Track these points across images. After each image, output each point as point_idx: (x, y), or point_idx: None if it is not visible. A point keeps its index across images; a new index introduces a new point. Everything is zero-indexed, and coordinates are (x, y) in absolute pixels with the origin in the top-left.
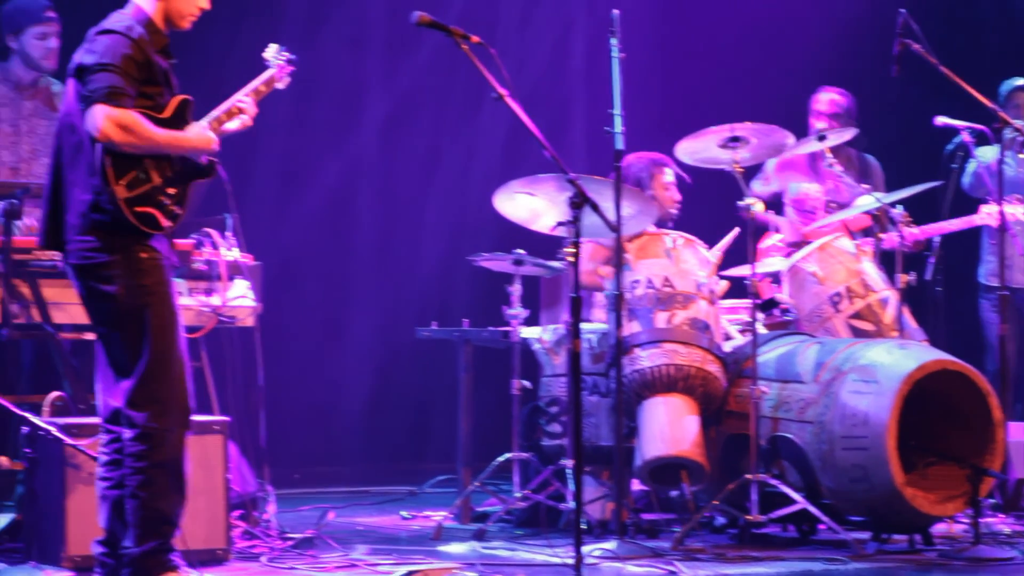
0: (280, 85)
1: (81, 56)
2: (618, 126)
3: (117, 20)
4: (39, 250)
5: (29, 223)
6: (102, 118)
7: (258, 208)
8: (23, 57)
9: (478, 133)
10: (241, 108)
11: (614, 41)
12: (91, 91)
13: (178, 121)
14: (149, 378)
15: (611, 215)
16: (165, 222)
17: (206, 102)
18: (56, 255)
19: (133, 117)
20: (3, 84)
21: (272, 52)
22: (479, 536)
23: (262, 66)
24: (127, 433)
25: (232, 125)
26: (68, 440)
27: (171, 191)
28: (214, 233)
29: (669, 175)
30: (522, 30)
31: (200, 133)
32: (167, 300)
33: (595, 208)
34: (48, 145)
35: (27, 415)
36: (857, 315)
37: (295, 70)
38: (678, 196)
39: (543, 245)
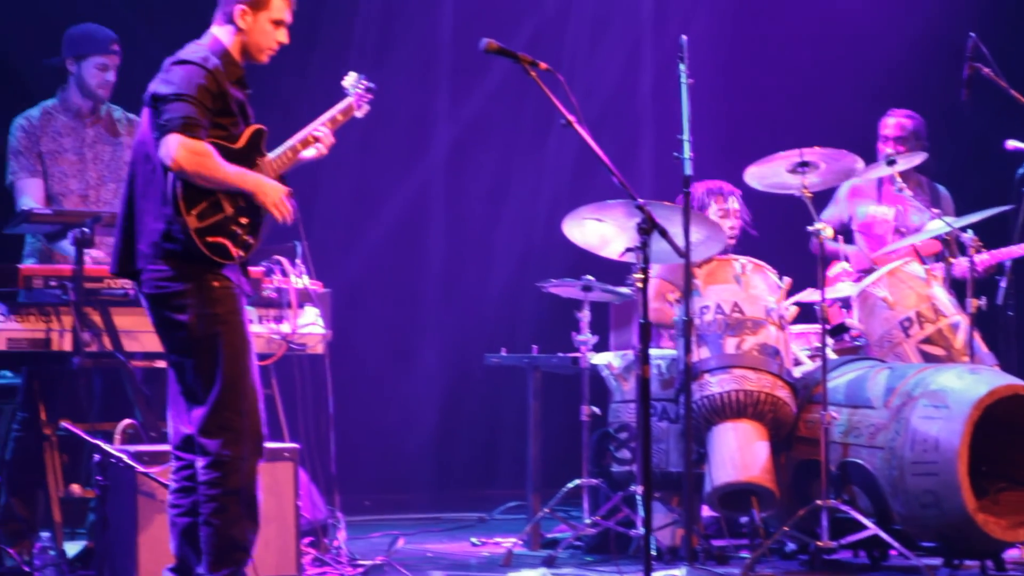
0: (359, 114)
1: (156, 85)
2: (687, 152)
3: (193, 51)
4: (111, 278)
5: (99, 253)
6: (176, 147)
7: (327, 235)
8: (79, 82)
9: (546, 159)
10: (317, 137)
11: (683, 67)
12: (166, 120)
13: (252, 151)
14: (221, 406)
15: (680, 241)
16: (236, 252)
17: (278, 131)
18: (127, 283)
19: (206, 149)
20: (64, 114)
21: (351, 80)
22: (549, 562)
23: (331, 94)
24: (200, 461)
25: (308, 154)
26: (139, 468)
27: (243, 220)
28: (284, 261)
29: (731, 202)
30: (590, 56)
31: (271, 182)
32: (239, 328)
33: (663, 234)
34: (114, 171)
35: (99, 443)
36: (927, 340)
37: (373, 98)
38: (734, 224)
39: (612, 271)
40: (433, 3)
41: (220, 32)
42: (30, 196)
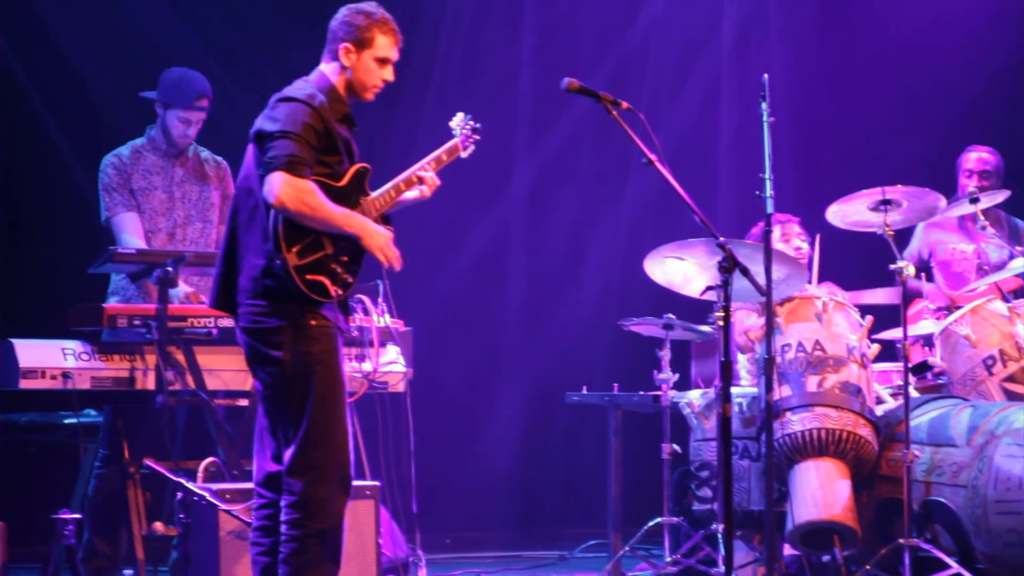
0: (464, 154)
1: (262, 122)
2: (768, 190)
3: (299, 88)
4: (194, 317)
5: (188, 289)
6: (280, 185)
7: (408, 273)
8: (163, 130)
9: (627, 197)
10: (421, 178)
11: (764, 105)
12: (271, 158)
13: (355, 189)
14: (309, 445)
15: (761, 279)
16: (335, 290)
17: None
18: (210, 322)
19: (311, 188)
20: (153, 153)
21: (457, 121)
22: None
23: (414, 133)
24: (284, 500)
25: (411, 195)
26: (222, 506)
27: (344, 259)
28: (366, 299)
29: (791, 227)
30: (670, 94)
31: (377, 227)
32: (334, 368)
33: (745, 272)
34: (200, 211)
35: (182, 481)
36: (1011, 378)
37: (479, 139)
38: (798, 246)
39: (692, 309)
40: (513, 42)
41: (327, 69)
42: (129, 231)
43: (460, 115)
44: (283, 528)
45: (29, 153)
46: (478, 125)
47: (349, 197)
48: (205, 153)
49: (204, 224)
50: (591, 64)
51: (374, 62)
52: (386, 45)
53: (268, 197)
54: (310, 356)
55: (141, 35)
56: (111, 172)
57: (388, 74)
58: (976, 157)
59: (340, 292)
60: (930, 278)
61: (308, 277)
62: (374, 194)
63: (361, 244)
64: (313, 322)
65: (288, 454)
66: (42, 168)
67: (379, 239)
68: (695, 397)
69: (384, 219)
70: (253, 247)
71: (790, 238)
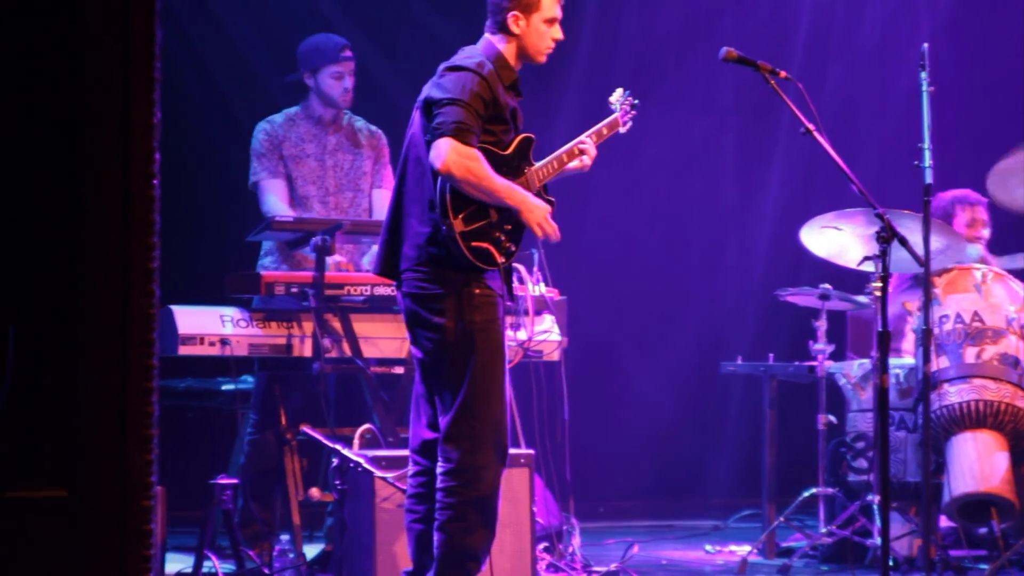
0: (623, 129)
1: (430, 90)
2: (927, 160)
3: (467, 56)
4: (351, 285)
5: (339, 259)
6: (447, 151)
7: (564, 244)
8: (320, 95)
9: (783, 167)
10: (583, 149)
11: (924, 75)
12: (439, 124)
13: (520, 159)
14: (468, 413)
15: (920, 250)
16: (500, 258)
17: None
18: (367, 290)
19: (477, 156)
20: (306, 121)
21: (617, 96)
22: (784, 572)
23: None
24: (441, 467)
25: (573, 165)
26: (378, 472)
27: (507, 227)
28: (521, 268)
29: (979, 211)
30: (844, 66)
31: (536, 201)
32: (495, 337)
33: (904, 243)
34: (352, 179)
35: (338, 447)
36: None
37: (637, 114)
38: (982, 235)
39: (850, 280)
40: (651, 16)
41: (494, 39)
42: (276, 196)
43: (620, 91)
44: (439, 495)
45: (187, 124)
46: (636, 101)
47: (513, 166)
48: (360, 123)
49: (355, 193)
50: (740, 34)
51: (543, 24)
52: (551, 5)
53: (435, 162)
54: (472, 324)
55: (294, 12)
56: (262, 138)
57: (557, 32)
58: None
59: (504, 260)
60: None
61: (473, 244)
62: (538, 164)
63: (520, 217)
64: (477, 291)
65: (445, 421)
66: (199, 138)
67: (538, 213)
68: (852, 368)
69: (544, 189)
70: (418, 215)
71: (975, 224)
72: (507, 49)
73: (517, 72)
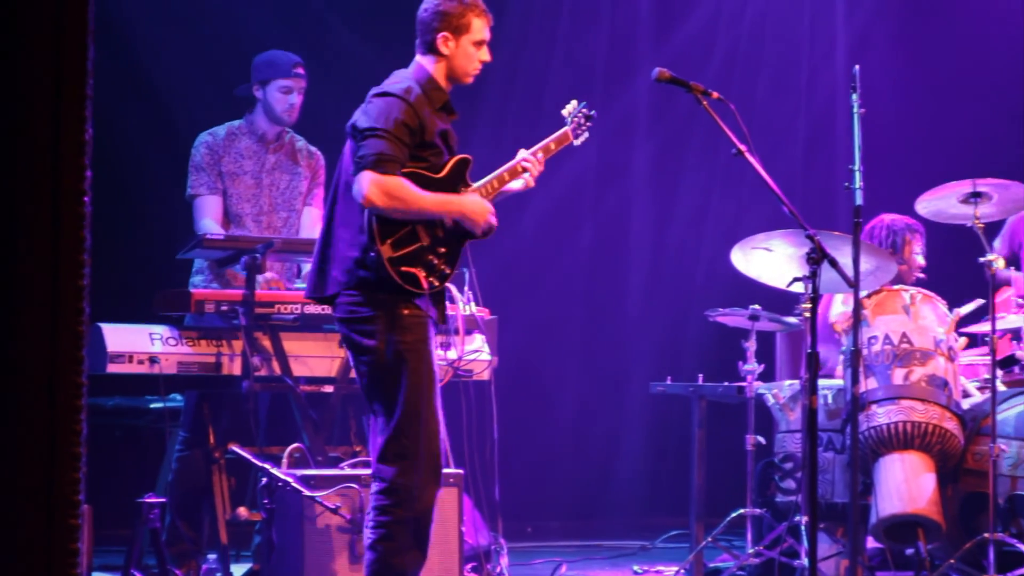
0: (576, 142)
1: (357, 117)
2: (857, 182)
3: (395, 81)
4: (281, 303)
5: (270, 277)
6: (368, 184)
7: (496, 262)
8: (266, 109)
9: (714, 188)
10: (526, 167)
11: (855, 96)
12: (360, 156)
13: (455, 181)
14: (400, 433)
15: (850, 271)
16: (427, 282)
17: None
18: (297, 308)
19: (399, 183)
20: (248, 137)
21: (570, 109)
22: None
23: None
24: (374, 486)
25: (515, 184)
26: (306, 491)
27: (441, 250)
28: (452, 288)
29: (921, 243)
30: (774, 88)
31: (476, 201)
32: (425, 358)
33: (833, 264)
34: (287, 199)
35: (267, 466)
36: None
37: (592, 126)
38: (924, 263)
39: (779, 300)
40: (584, 33)
41: (424, 60)
42: (210, 214)
43: (574, 102)
44: (372, 514)
45: (119, 137)
46: (592, 113)
47: (449, 189)
48: (300, 143)
49: (289, 213)
50: (679, 55)
51: (472, 46)
52: (481, 27)
53: (357, 196)
54: (402, 345)
55: (231, 29)
56: (203, 151)
57: (485, 55)
58: None
59: (435, 284)
60: (1019, 271)
61: (403, 269)
62: (476, 185)
63: (464, 225)
64: (406, 311)
65: (380, 441)
66: (131, 153)
67: (479, 218)
68: (780, 389)
69: None
70: (348, 239)
71: (918, 254)
72: (436, 70)
73: (447, 93)
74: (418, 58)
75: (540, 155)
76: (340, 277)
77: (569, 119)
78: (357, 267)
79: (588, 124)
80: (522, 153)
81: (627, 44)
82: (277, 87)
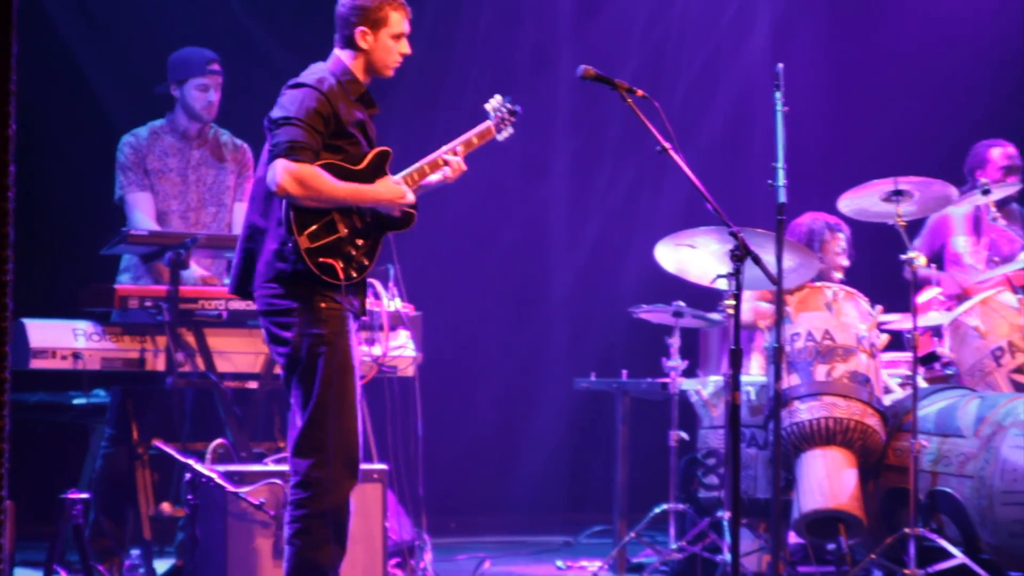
0: (500, 137)
1: (273, 109)
2: (781, 179)
3: (311, 73)
4: (205, 299)
5: (206, 275)
6: (281, 172)
7: (421, 258)
8: (184, 107)
9: (639, 184)
10: (446, 161)
11: (778, 95)
12: (274, 145)
13: (375, 173)
14: (315, 427)
15: (773, 268)
16: (351, 273)
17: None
18: (221, 304)
19: (312, 171)
20: (171, 134)
21: (493, 103)
22: None
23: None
24: (291, 479)
25: (434, 177)
26: (230, 487)
27: (359, 242)
28: (377, 283)
29: (842, 241)
30: (702, 86)
31: (389, 186)
32: (343, 350)
33: (756, 261)
34: (215, 194)
35: (190, 462)
36: (1019, 370)
37: (516, 121)
38: (847, 263)
39: (703, 297)
40: (552, 37)
41: (343, 54)
42: (141, 210)
43: (498, 97)
44: (288, 509)
45: (43, 132)
46: (517, 108)
47: (369, 180)
48: (225, 137)
49: (218, 208)
50: (616, 55)
51: (391, 39)
52: (399, 20)
53: (271, 185)
54: (319, 338)
55: (148, 31)
56: (127, 151)
57: (405, 47)
58: (1001, 152)
59: (353, 275)
60: (941, 270)
61: (320, 260)
62: (395, 177)
63: (381, 211)
64: (323, 304)
65: (295, 434)
66: (57, 148)
67: (393, 197)
68: (703, 385)
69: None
70: (269, 232)
71: (840, 253)
72: (355, 64)
73: (366, 86)
74: (336, 52)
75: (460, 148)
76: (262, 269)
77: (492, 113)
78: (276, 259)
79: (512, 119)
80: (445, 147)
81: (548, 37)
82: (194, 85)
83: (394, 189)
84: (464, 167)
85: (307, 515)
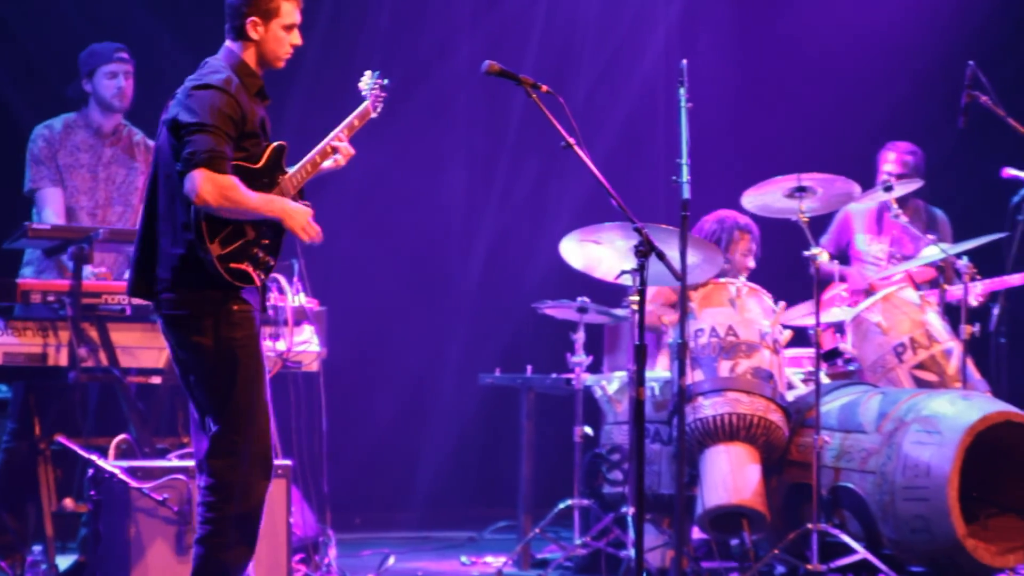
0: (375, 114)
1: (177, 110)
2: (685, 175)
3: (213, 71)
4: (109, 294)
5: (98, 268)
6: (201, 183)
7: (326, 254)
8: (97, 99)
9: (548, 181)
10: (335, 147)
11: (682, 91)
12: (190, 154)
13: (273, 169)
14: (230, 430)
15: (677, 264)
16: (258, 276)
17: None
18: (124, 299)
19: (232, 183)
20: (84, 130)
21: (366, 81)
22: None
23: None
24: (204, 481)
25: (327, 164)
26: (133, 483)
27: (265, 242)
28: (281, 279)
29: (751, 242)
30: (608, 82)
31: (298, 207)
32: (256, 353)
33: (661, 256)
34: (123, 193)
35: (93, 458)
36: (920, 366)
37: (387, 95)
38: (753, 265)
39: (608, 293)
40: (453, 29)
41: (235, 46)
42: (52, 207)
43: (368, 74)
44: (200, 510)
45: None
46: (386, 82)
47: (267, 177)
48: (138, 136)
49: (125, 207)
50: (523, 48)
51: (282, 30)
52: (291, 11)
53: (190, 195)
54: (233, 342)
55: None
56: (41, 144)
57: (296, 38)
58: (896, 157)
59: (263, 276)
60: (846, 266)
61: (232, 266)
62: (291, 171)
63: (284, 226)
64: (235, 307)
65: (209, 437)
66: None
67: (300, 219)
68: (608, 381)
69: (300, 194)
70: (170, 234)
71: (747, 253)
72: (248, 56)
73: (261, 79)
74: (228, 44)
75: (345, 133)
76: (165, 275)
77: (367, 92)
78: (183, 265)
79: (384, 95)
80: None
81: (450, 28)
82: (103, 74)
83: (303, 212)
84: (352, 151)
85: (220, 517)
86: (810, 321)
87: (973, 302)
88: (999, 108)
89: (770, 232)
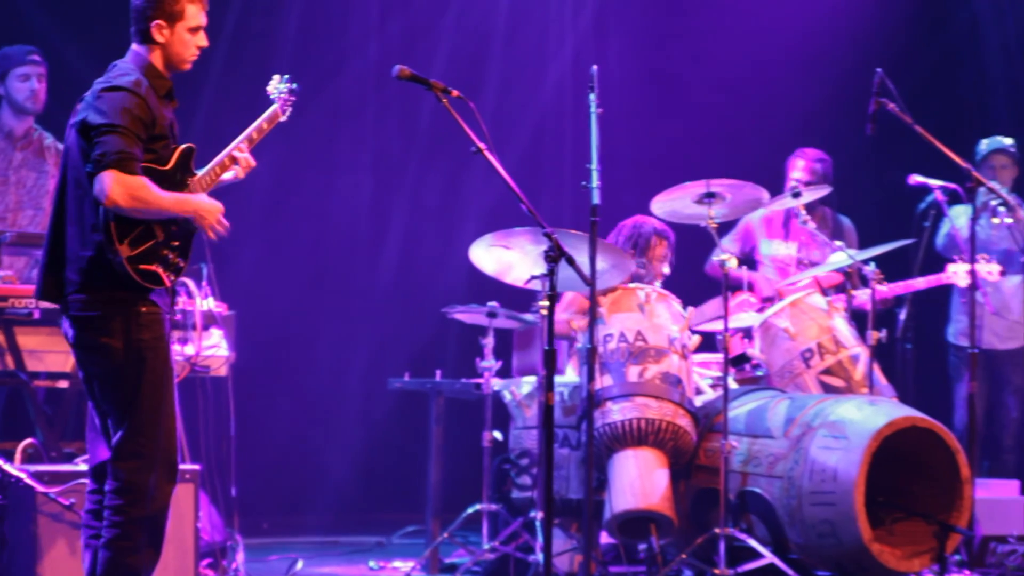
0: (283, 118)
1: (86, 112)
2: (595, 181)
3: (123, 74)
4: (15, 297)
5: (5, 272)
6: (111, 185)
7: (235, 258)
8: (9, 102)
9: (457, 186)
10: (235, 158)
11: (592, 96)
12: (100, 155)
13: (182, 171)
14: (136, 432)
15: (586, 269)
16: (167, 278)
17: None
18: (32, 302)
19: (141, 183)
20: None
21: (274, 84)
22: None
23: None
24: (109, 485)
25: (227, 176)
26: (39, 487)
27: (175, 244)
28: (190, 282)
29: (667, 248)
30: (519, 87)
31: (209, 201)
32: (164, 355)
33: (570, 262)
34: (34, 197)
35: None
36: (828, 371)
37: (296, 99)
38: (668, 271)
39: (517, 298)
40: (361, 34)
41: (141, 49)
42: None
43: (276, 78)
44: (106, 513)
45: None
46: (295, 86)
47: (176, 179)
48: (49, 140)
49: (36, 211)
50: (432, 53)
51: (187, 33)
52: (196, 13)
53: (99, 196)
54: (142, 343)
55: None
56: None
57: (202, 40)
58: (804, 165)
59: (173, 278)
60: (753, 271)
61: (141, 267)
62: (199, 173)
63: (195, 223)
64: (144, 309)
65: (115, 440)
66: None
67: (210, 217)
68: (516, 386)
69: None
70: (79, 236)
71: (663, 259)
72: (155, 58)
73: (170, 80)
74: (135, 47)
75: (255, 136)
76: (74, 277)
77: (276, 96)
78: (91, 266)
79: (293, 98)
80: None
81: (355, 34)
82: (15, 76)
83: (213, 206)
84: (252, 163)
85: (126, 520)
86: (718, 326)
87: (883, 291)
88: (906, 115)
89: (679, 238)
